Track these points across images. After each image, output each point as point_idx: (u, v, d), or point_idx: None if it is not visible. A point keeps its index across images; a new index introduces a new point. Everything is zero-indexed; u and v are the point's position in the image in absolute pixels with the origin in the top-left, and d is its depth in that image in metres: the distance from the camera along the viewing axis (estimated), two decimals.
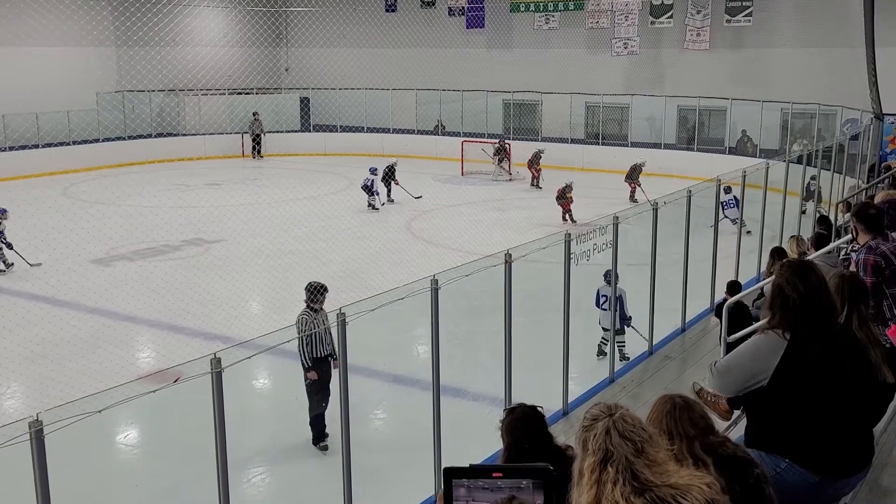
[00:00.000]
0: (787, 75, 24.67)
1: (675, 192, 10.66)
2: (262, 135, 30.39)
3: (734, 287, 8.97)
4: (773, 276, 3.66)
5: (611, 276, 9.60)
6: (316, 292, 8.36)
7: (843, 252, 8.15)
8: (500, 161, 25.94)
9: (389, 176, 22.08)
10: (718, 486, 2.26)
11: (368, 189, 21.07)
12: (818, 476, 3.43)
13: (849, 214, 11.54)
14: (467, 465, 2.06)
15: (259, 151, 30.32)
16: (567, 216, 20.17)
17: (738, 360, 3.61)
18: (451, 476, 2.04)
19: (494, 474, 2.01)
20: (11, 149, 25.09)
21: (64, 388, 7.81)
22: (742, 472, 2.85)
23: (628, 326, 10.16)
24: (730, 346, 7.16)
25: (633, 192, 22.06)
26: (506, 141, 26.85)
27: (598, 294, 10.30)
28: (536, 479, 2.01)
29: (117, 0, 26.38)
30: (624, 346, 10.16)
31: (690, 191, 10.60)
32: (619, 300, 10.00)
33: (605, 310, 10.13)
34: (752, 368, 3.50)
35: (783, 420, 3.46)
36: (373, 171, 21.31)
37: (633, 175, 22.16)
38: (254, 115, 30.47)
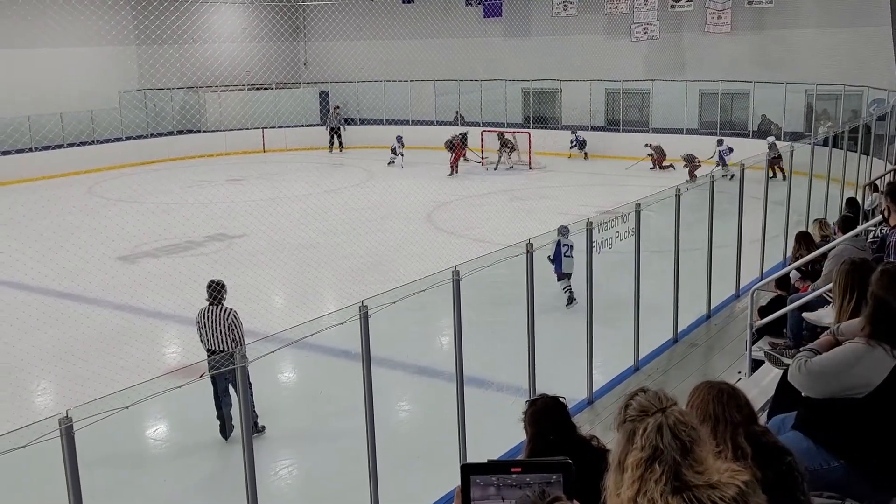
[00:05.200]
0: (810, 56, 24.33)
1: (699, 178, 10.55)
2: (343, 128, 30.43)
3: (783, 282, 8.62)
4: (871, 287, 3.49)
5: (565, 230, 11.43)
6: (211, 288, 8.48)
7: (871, 235, 8.04)
8: (509, 151, 26.05)
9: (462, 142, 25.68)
10: (756, 484, 2.23)
11: (394, 151, 25.72)
12: (873, 488, 3.37)
13: (877, 195, 11.40)
14: (485, 461, 2.04)
15: (340, 144, 30.26)
16: (455, 168, 24.11)
17: (837, 369, 3.44)
18: (468, 472, 2.01)
19: (513, 469, 1.99)
20: (37, 149, 25.37)
21: (93, 384, 7.90)
22: (776, 459, 2.86)
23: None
24: (758, 332, 7.12)
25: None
26: (507, 132, 26.92)
27: (559, 245, 11.57)
28: (557, 473, 1.98)
29: None
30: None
31: (714, 176, 10.50)
32: (569, 248, 11.64)
33: (568, 256, 11.71)
34: (850, 381, 3.38)
35: (861, 430, 3.36)
36: (399, 140, 26.05)
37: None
38: (335, 108, 30.75)
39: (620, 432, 2.25)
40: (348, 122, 31.05)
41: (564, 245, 11.69)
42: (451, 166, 24.90)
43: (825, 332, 3.95)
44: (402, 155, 25.99)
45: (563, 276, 11.87)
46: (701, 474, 2.13)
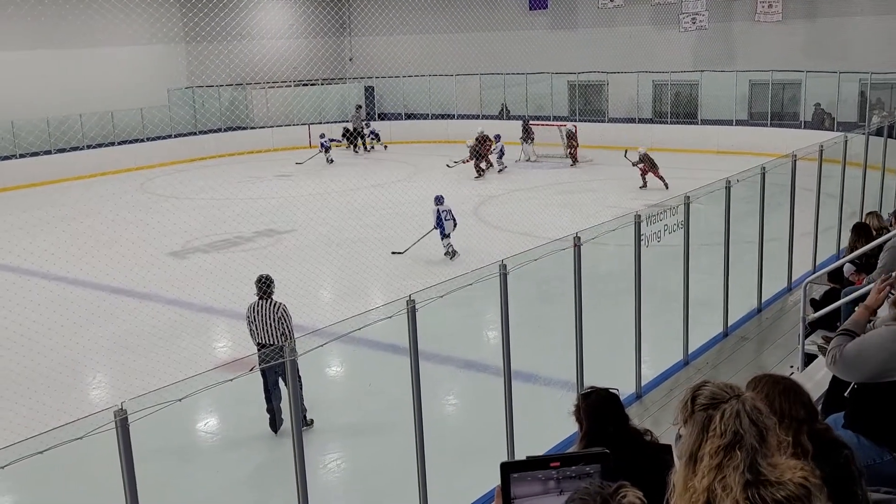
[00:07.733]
0: (864, 44, 23.73)
1: (749, 170, 10.37)
2: (364, 128, 29.19)
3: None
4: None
5: (441, 199, 14.74)
6: (260, 283, 8.58)
7: None
8: (527, 141, 25.83)
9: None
10: (820, 483, 2.18)
11: (324, 147, 26.25)
12: None
13: None
14: (524, 458, 2.03)
15: (364, 145, 28.93)
16: (480, 170, 23.12)
17: (876, 350, 3.41)
18: (508, 470, 2.01)
19: (552, 464, 1.98)
20: (89, 147, 25.95)
21: (146, 377, 8.06)
22: (834, 453, 2.81)
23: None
24: (811, 326, 6.98)
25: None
26: (530, 122, 26.55)
27: (439, 213, 14.56)
28: (596, 464, 1.97)
29: None
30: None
31: (764, 168, 10.31)
32: (448, 212, 14.56)
33: (448, 220, 14.57)
34: (891, 361, 3.32)
35: None
36: (321, 136, 26.54)
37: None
38: (357, 107, 30.15)
39: (691, 423, 2.20)
40: (377, 117, 30.79)
41: (443, 211, 14.54)
42: (477, 169, 23.47)
43: (859, 306, 3.94)
44: (328, 150, 26.32)
45: (446, 236, 14.56)
46: (774, 468, 2.10)
